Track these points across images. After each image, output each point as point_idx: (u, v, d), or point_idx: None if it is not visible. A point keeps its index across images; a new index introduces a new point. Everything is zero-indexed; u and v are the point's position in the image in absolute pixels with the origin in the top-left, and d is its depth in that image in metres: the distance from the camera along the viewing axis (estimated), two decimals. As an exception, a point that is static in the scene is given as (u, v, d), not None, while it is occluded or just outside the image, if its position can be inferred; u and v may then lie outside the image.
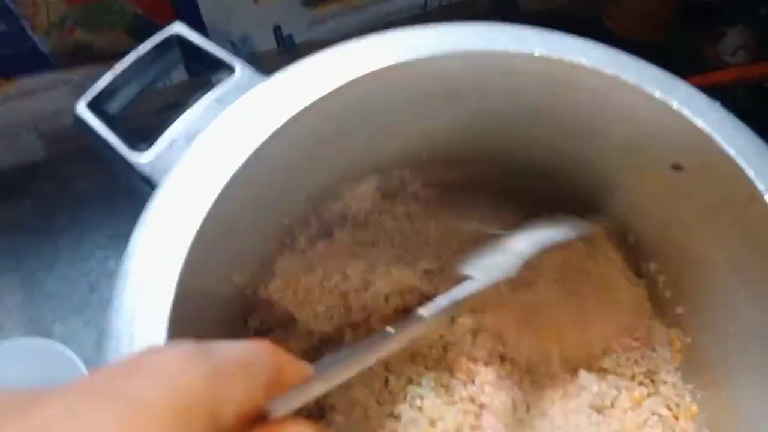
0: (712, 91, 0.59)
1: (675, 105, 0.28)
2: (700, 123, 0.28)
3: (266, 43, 0.67)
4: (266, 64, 0.67)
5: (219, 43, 0.63)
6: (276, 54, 0.68)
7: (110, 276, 0.58)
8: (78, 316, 0.57)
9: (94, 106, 0.30)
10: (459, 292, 0.30)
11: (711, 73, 0.62)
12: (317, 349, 0.37)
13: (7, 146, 0.64)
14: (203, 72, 0.32)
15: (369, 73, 0.29)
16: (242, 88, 0.30)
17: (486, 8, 0.72)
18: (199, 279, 0.28)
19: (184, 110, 0.30)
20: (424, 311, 0.28)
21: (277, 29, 0.66)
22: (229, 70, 0.31)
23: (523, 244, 0.34)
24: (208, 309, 0.31)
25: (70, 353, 0.48)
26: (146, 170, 0.29)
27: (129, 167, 0.29)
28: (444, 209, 0.44)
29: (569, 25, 0.69)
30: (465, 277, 0.32)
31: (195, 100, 0.30)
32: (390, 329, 0.25)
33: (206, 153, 0.27)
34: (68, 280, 0.59)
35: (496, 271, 0.32)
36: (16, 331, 0.56)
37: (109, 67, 0.62)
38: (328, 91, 0.29)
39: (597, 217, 0.37)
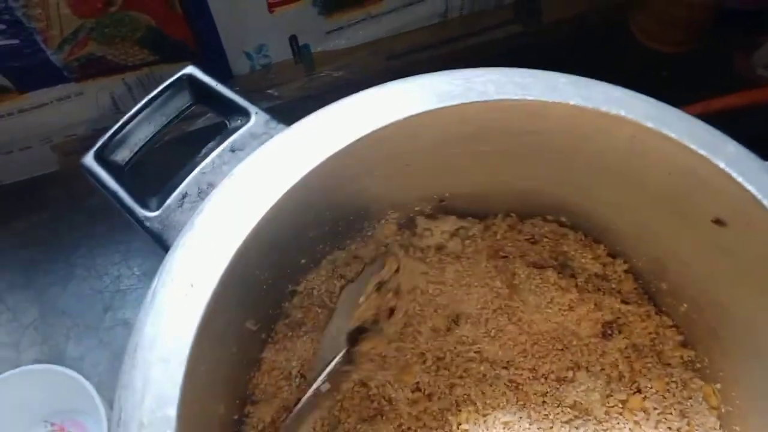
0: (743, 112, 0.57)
1: (722, 165, 0.26)
2: (748, 186, 0.26)
3: (282, 53, 0.65)
4: (282, 74, 0.66)
5: (233, 52, 0.63)
6: (292, 64, 0.66)
7: (124, 295, 0.57)
8: (92, 336, 0.56)
9: (102, 156, 0.28)
10: None
11: (737, 94, 0.59)
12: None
13: (20, 159, 0.63)
14: (216, 116, 0.30)
15: (393, 123, 0.28)
16: (257, 137, 0.29)
17: (508, 16, 0.70)
18: (211, 338, 0.26)
19: (197, 161, 0.28)
20: None
21: (293, 39, 0.64)
22: (244, 115, 0.29)
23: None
24: (220, 365, 0.30)
25: (83, 381, 0.47)
26: (156, 227, 0.27)
27: (138, 222, 0.28)
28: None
29: (593, 32, 0.68)
30: None
31: (208, 150, 0.28)
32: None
33: (221, 213, 0.26)
34: (82, 297, 0.58)
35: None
36: (31, 350, 0.56)
37: (123, 79, 0.61)
38: (347, 143, 0.27)
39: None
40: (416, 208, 0.39)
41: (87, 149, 0.64)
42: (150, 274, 0.60)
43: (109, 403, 0.48)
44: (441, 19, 0.67)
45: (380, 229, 0.38)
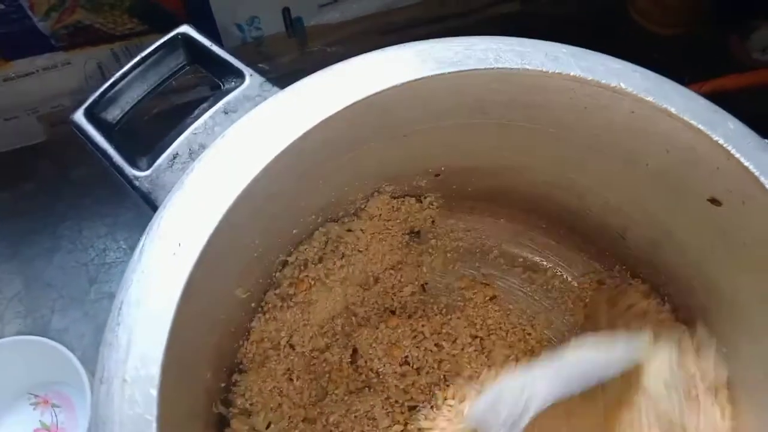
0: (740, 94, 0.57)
1: (721, 141, 0.26)
2: (746, 162, 0.26)
3: (274, 25, 0.64)
4: (274, 47, 0.65)
5: (224, 23, 0.62)
6: (284, 37, 0.65)
7: (109, 268, 0.56)
8: (77, 308, 0.56)
9: (92, 113, 0.28)
10: None
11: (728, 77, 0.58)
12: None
13: (6, 129, 0.62)
14: (210, 77, 0.29)
15: (389, 88, 0.27)
16: (251, 99, 0.28)
17: (508, -6, 0.69)
18: (198, 301, 0.26)
19: (189, 121, 0.27)
20: None
21: (285, 11, 0.63)
22: (239, 77, 0.29)
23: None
24: (207, 330, 0.29)
25: (68, 353, 0.47)
26: (145, 186, 0.27)
27: (126, 181, 0.27)
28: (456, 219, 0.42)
29: (591, 11, 0.67)
30: None
31: (201, 110, 0.28)
32: None
33: (212, 173, 0.25)
34: (67, 269, 0.58)
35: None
36: (15, 321, 0.55)
37: (111, 48, 0.60)
38: (341, 107, 0.27)
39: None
40: (412, 182, 0.38)
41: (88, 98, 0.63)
42: (149, 223, 0.59)
43: (94, 375, 0.48)
44: (437, -6, 0.66)
45: (373, 201, 0.37)
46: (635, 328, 0.36)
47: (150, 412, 0.20)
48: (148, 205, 0.27)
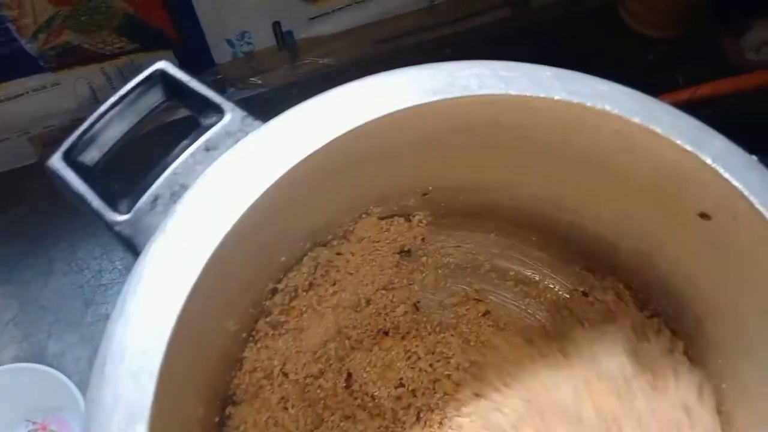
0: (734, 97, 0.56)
1: (708, 161, 0.26)
2: (734, 182, 0.25)
3: (265, 40, 0.64)
4: (265, 62, 0.65)
5: (215, 40, 0.62)
6: (276, 51, 0.65)
7: (105, 289, 0.56)
8: (73, 332, 0.56)
9: (70, 157, 0.27)
10: None
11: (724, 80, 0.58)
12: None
13: (-3, 151, 0.61)
14: (190, 113, 0.29)
15: (372, 120, 0.27)
16: (233, 134, 0.28)
17: (497, 0, 0.68)
18: (188, 342, 0.26)
19: (169, 160, 0.27)
20: None
21: (276, 25, 0.63)
22: (219, 113, 0.28)
23: None
24: (198, 367, 0.29)
25: (64, 379, 0.47)
26: (126, 231, 0.26)
27: (107, 227, 0.27)
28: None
29: (582, 16, 0.67)
30: None
31: (181, 149, 0.27)
32: None
33: (194, 216, 0.25)
34: (62, 292, 0.57)
35: None
36: (11, 346, 0.55)
37: (101, 68, 0.60)
38: (326, 141, 0.26)
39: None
40: (400, 202, 0.38)
41: (65, 140, 0.63)
42: (132, 268, 0.59)
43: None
44: (429, 4, 0.66)
45: (362, 223, 0.37)
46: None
47: (139, 468, 0.20)
48: (128, 250, 0.26)
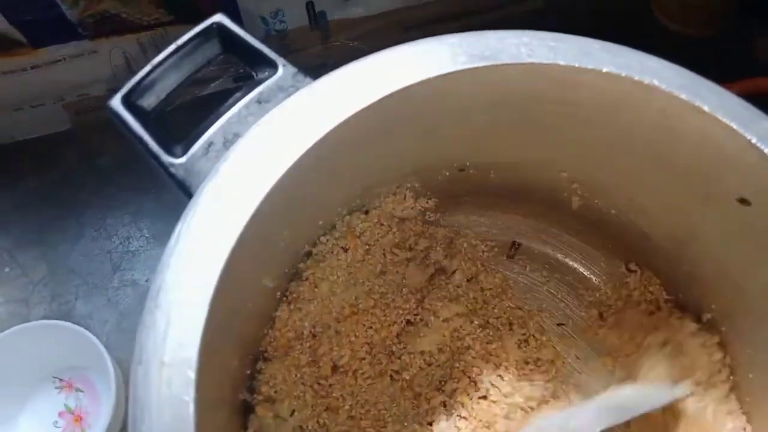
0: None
1: (754, 140, 0.26)
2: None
3: (298, 19, 0.64)
4: (297, 41, 0.66)
5: (249, 16, 0.62)
6: (307, 31, 0.65)
7: (133, 256, 0.57)
8: (100, 295, 0.56)
9: (129, 100, 0.28)
10: None
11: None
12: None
13: (32, 116, 0.62)
14: (244, 67, 0.30)
15: (419, 82, 0.27)
16: (284, 89, 0.29)
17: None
18: (230, 289, 0.26)
19: (223, 110, 0.28)
20: None
21: (309, 5, 0.63)
22: (272, 67, 0.29)
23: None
24: (236, 318, 0.30)
25: (92, 338, 0.47)
26: (180, 174, 0.27)
27: (162, 168, 0.27)
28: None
29: (615, 10, 0.67)
30: None
31: (235, 100, 0.28)
32: None
33: (246, 162, 0.25)
34: (91, 256, 0.58)
35: None
36: (41, 306, 0.56)
37: (137, 38, 0.61)
38: (374, 100, 0.27)
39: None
40: (437, 176, 0.38)
41: (99, 109, 0.63)
42: (159, 237, 0.60)
43: (117, 361, 0.49)
44: (465, -11, 0.66)
45: (400, 195, 0.37)
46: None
47: (188, 394, 0.21)
48: (182, 191, 0.27)
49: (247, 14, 0.62)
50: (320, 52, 0.67)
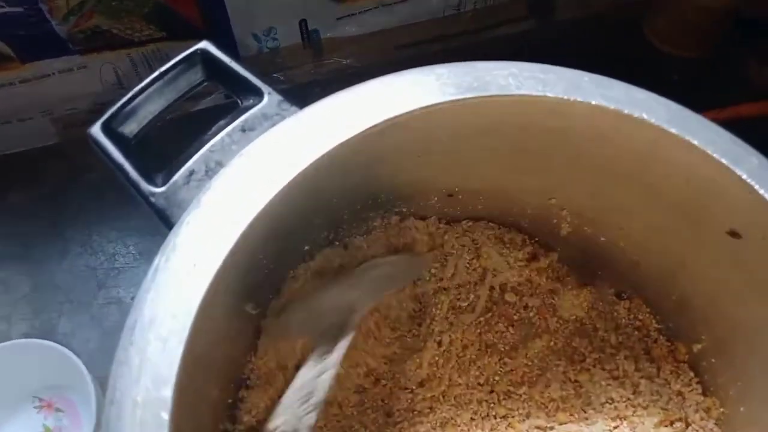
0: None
1: (744, 176, 0.26)
2: (769, 197, 0.25)
3: (291, 37, 0.64)
4: (289, 58, 0.65)
5: (242, 33, 0.62)
6: (300, 48, 0.65)
7: (118, 273, 0.56)
8: (84, 312, 0.56)
9: (110, 127, 0.28)
10: None
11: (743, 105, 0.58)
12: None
13: (20, 130, 0.62)
14: (228, 94, 0.29)
15: (406, 113, 0.27)
16: (269, 117, 0.28)
17: (522, 11, 0.69)
18: (211, 318, 0.26)
19: (206, 138, 0.27)
20: None
21: (302, 23, 0.64)
22: (257, 95, 0.29)
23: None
24: (217, 347, 0.29)
25: (73, 357, 0.47)
26: (160, 203, 0.27)
27: (142, 197, 0.27)
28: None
29: (607, 31, 0.67)
30: None
31: (218, 128, 0.28)
32: None
33: (229, 194, 0.25)
34: (76, 273, 0.58)
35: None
36: (22, 323, 0.55)
37: (128, 54, 0.60)
38: (360, 130, 0.26)
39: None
40: (426, 201, 0.38)
41: (88, 123, 0.63)
42: (146, 254, 0.59)
43: (99, 381, 0.48)
44: (454, 11, 0.66)
45: (387, 219, 0.37)
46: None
47: (161, 436, 0.20)
48: (162, 222, 0.26)
49: (239, 31, 0.62)
50: (312, 69, 0.67)
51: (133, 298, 0.54)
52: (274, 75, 0.66)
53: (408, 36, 0.67)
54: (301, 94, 0.64)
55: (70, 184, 0.61)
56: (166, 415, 0.20)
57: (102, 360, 0.53)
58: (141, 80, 0.61)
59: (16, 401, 0.50)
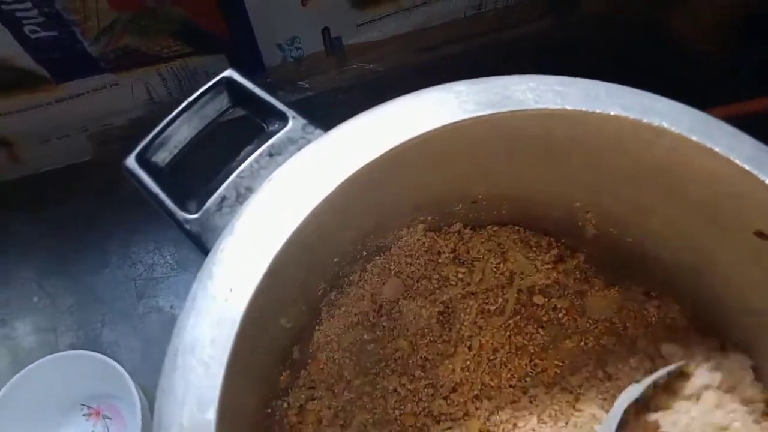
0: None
1: (767, 180, 0.26)
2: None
3: (314, 45, 0.65)
4: (313, 66, 0.66)
5: (266, 44, 0.63)
6: (324, 56, 0.66)
7: (157, 283, 0.58)
8: (126, 322, 0.58)
9: (143, 157, 0.29)
10: None
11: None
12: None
13: (57, 147, 0.64)
14: (254, 119, 0.30)
15: (428, 131, 0.28)
16: (295, 141, 0.29)
17: (544, 9, 0.68)
18: (250, 337, 0.27)
19: (234, 165, 0.29)
20: None
21: (325, 31, 0.64)
22: (281, 120, 0.30)
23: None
24: (254, 365, 0.30)
25: (118, 367, 0.49)
26: (195, 229, 0.28)
27: (177, 225, 0.28)
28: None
29: (629, 28, 0.67)
30: None
31: (246, 153, 0.29)
32: None
33: (260, 219, 0.26)
34: (116, 284, 0.60)
35: None
36: (68, 334, 0.57)
37: (157, 69, 0.62)
38: (384, 150, 0.27)
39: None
40: (450, 209, 0.39)
41: (122, 138, 0.65)
42: (183, 263, 0.61)
43: (143, 388, 0.50)
44: (475, 12, 0.66)
45: (414, 230, 0.38)
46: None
47: (208, 457, 0.21)
48: (197, 247, 0.28)
49: (264, 42, 0.63)
50: (336, 76, 0.68)
51: (172, 307, 0.56)
52: (299, 83, 0.67)
53: (429, 39, 0.67)
54: (325, 101, 0.65)
55: (106, 198, 0.63)
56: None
57: (144, 369, 0.55)
58: (170, 94, 0.63)
59: (67, 408, 0.53)
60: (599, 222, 0.39)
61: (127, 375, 0.49)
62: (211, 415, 0.22)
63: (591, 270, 0.42)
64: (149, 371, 0.55)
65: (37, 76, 0.58)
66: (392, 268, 0.40)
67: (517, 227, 0.42)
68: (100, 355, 0.50)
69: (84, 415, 0.53)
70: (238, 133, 0.30)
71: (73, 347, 0.55)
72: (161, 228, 0.62)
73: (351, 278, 0.39)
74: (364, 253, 0.39)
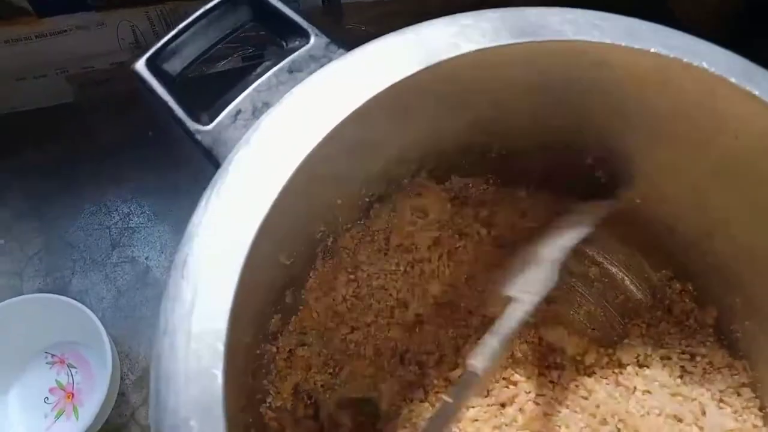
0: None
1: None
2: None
3: (311, 1, 0.63)
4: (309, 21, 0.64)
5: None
6: (319, 13, 0.64)
7: (132, 232, 0.56)
8: (98, 271, 0.55)
9: (154, 63, 0.27)
10: (508, 323, 0.28)
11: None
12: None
13: (34, 87, 0.61)
14: (274, 36, 0.29)
15: (458, 56, 0.26)
16: (317, 59, 0.27)
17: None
18: (254, 264, 0.25)
19: (251, 78, 0.27)
20: (477, 364, 0.26)
21: (324, -15, 0.62)
22: (303, 37, 0.28)
23: (554, 250, 0.33)
24: (255, 292, 0.29)
25: (89, 312, 0.46)
26: (207, 141, 0.26)
27: (188, 135, 0.26)
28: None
29: (631, 9, 0.66)
30: (508, 300, 0.30)
31: (265, 68, 0.27)
32: (447, 398, 0.24)
33: (279, 133, 0.24)
34: (90, 231, 0.57)
35: (539, 285, 0.31)
36: (35, 279, 0.54)
37: (146, 12, 0.59)
38: (411, 72, 0.26)
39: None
40: (461, 160, 0.38)
41: (104, 83, 0.62)
42: (161, 215, 0.58)
43: (113, 339, 0.47)
44: (477, -20, 0.65)
45: (424, 174, 0.36)
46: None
47: (216, 366, 0.20)
48: (208, 160, 0.26)
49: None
50: (332, 35, 0.66)
51: (147, 258, 0.53)
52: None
53: (428, 3, 0.65)
54: (343, 48, 0.63)
55: (84, 143, 0.60)
56: (221, 346, 0.20)
57: (116, 318, 0.52)
58: (158, 39, 0.60)
59: (29, 356, 0.50)
60: (608, 182, 0.38)
61: (98, 321, 0.46)
62: (222, 324, 0.20)
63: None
64: (120, 322, 0.52)
65: (17, 6, 0.54)
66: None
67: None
68: (68, 299, 0.47)
69: (47, 363, 0.50)
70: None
71: (40, 293, 0.52)
72: (140, 177, 0.59)
73: (348, 227, 0.38)
74: (366, 200, 0.37)
